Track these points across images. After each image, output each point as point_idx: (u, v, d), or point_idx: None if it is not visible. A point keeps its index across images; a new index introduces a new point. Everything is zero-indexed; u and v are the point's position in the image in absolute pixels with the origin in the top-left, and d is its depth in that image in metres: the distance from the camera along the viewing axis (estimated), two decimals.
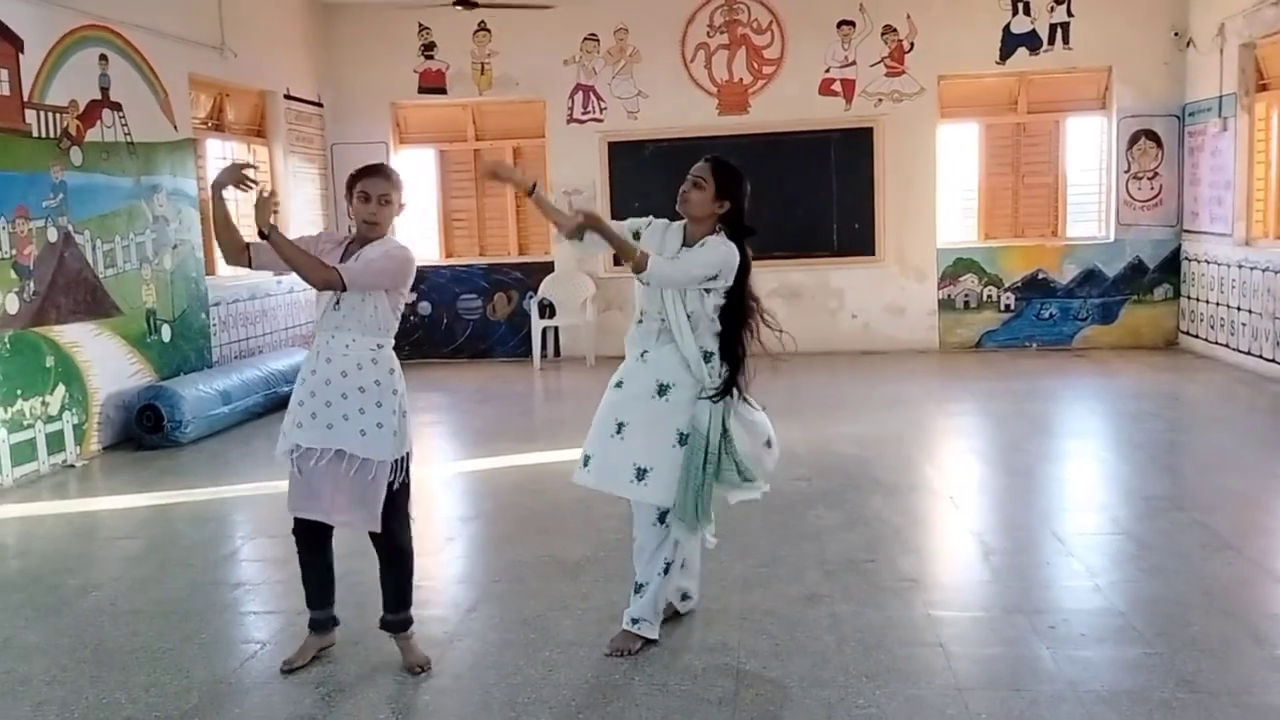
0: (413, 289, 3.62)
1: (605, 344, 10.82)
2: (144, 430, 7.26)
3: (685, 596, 3.94)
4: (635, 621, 3.68)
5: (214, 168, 9.11)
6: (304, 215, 10.29)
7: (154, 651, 3.81)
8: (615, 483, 3.61)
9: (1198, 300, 9.96)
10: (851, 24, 10.44)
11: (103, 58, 7.33)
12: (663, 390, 3.58)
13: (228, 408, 7.78)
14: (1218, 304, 9.51)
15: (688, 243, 3.62)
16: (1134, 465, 6.25)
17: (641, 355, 3.65)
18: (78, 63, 7.07)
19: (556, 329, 11.01)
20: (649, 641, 3.68)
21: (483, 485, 6.28)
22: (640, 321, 3.68)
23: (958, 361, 10.09)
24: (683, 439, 3.56)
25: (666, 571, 3.70)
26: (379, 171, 3.56)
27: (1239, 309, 9.09)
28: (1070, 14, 10.19)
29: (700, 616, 3.95)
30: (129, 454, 7.17)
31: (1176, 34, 10.02)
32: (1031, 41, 10.27)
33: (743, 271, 3.58)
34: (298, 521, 3.60)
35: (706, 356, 3.58)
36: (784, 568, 4.48)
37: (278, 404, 8.46)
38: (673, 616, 3.90)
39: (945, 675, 3.43)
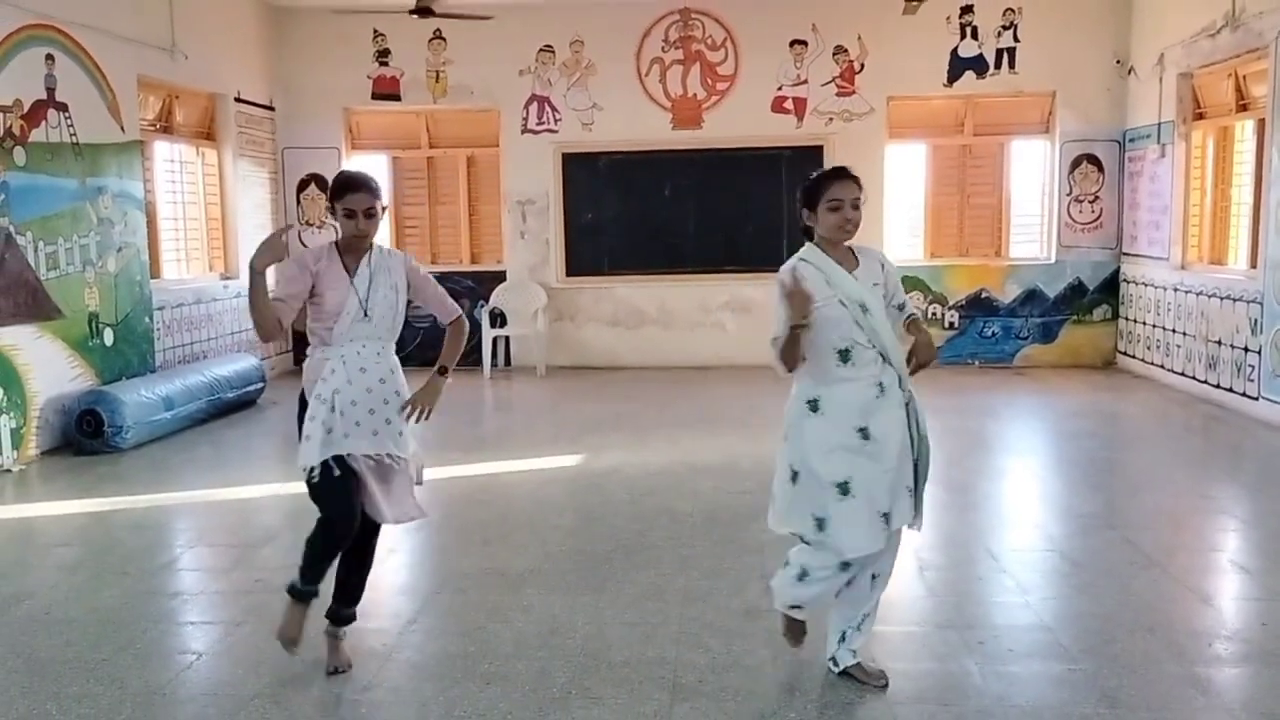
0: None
1: (556, 354, 10.87)
2: (84, 435, 7.16)
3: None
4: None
5: (161, 170, 9.03)
6: (253, 219, 10.19)
7: (87, 662, 3.78)
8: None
9: (1135, 322, 10.22)
10: (804, 43, 10.59)
11: (49, 57, 7.23)
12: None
13: (170, 413, 7.69)
14: (1154, 326, 9.76)
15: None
16: (1069, 483, 6.41)
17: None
18: (23, 62, 6.98)
19: (508, 338, 11.02)
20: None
21: (428, 495, 6.12)
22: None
23: None
24: None
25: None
26: (361, 186, 3.48)
27: (1174, 331, 9.34)
28: (1016, 39, 10.43)
29: (640, 630, 4.00)
30: (68, 459, 7.06)
31: (1118, 62, 10.30)
32: (978, 65, 10.50)
33: None
34: (343, 523, 3.54)
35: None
36: (726, 581, 4.53)
37: (221, 410, 8.41)
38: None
39: (877, 690, 3.50)
